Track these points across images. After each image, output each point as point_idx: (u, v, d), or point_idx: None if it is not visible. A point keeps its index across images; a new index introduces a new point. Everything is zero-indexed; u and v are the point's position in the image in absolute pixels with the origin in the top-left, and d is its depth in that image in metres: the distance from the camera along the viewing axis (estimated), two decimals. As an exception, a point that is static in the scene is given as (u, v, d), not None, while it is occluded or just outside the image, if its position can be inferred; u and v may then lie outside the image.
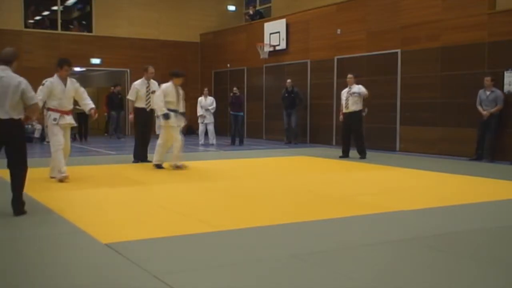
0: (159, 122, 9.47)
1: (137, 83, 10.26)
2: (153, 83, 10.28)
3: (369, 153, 11.58)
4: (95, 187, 7.31)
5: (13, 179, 5.50)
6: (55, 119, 7.64)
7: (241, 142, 15.31)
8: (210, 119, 15.50)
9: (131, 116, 10.34)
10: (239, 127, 15.50)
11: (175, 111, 9.31)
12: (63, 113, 7.72)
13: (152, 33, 20.12)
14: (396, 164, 10.25)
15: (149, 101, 10.14)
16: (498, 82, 10.84)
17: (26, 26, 18.61)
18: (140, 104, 10.19)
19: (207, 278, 3.60)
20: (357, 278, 3.62)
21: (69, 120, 7.81)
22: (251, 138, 17.65)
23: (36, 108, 5.74)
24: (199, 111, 15.51)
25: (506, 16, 11.03)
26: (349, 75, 11.57)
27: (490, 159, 10.71)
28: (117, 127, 17.77)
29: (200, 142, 15.54)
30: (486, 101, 10.80)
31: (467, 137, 11.55)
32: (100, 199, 6.59)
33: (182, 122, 9.56)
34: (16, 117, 5.44)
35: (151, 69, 10.28)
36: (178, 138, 9.33)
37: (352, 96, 11.26)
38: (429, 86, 12.38)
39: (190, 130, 20.09)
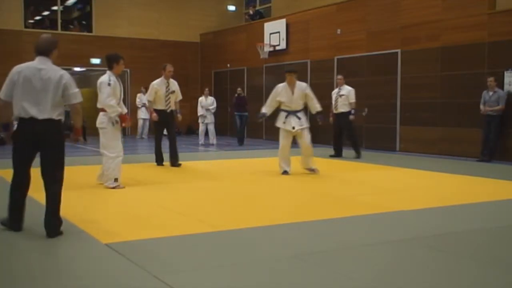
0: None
1: (156, 82, 9.56)
2: (173, 83, 9.64)
3: (369, 153, 11.58)
4: (95, 187, 7.30)
5: (47, 195, 4.67)
6: (117, 121, 7.08)
7: (240, 142, 15.33)
8: (210, 119, 15.51)
9: (154, 115, 9.55)
10: (242, 127, 15.54)
11: (287, 112, 8.71)
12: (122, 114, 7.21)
13: (152, 33, 20.12)
14: (396, 164, 10.25)
15: (169, 102, 9.56)
16: (498, 82, 10.84)
17: (26, 26, 18.62)
18: (159, 105, 9.53)
19: (207, 278, 3.60)
20: (357, 278, 3.62)
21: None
22: (251, 138, 17.64)
23: (79, 110, 4.74)
24: (200, 111, 15.52)
25: (506, 16, 11.03)
26: (339, 76, 11.93)
27: (489, 159, 10.70)
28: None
29: (200, 142, 15.54)
30: (490, 102, 10.78)
31: (467, 137, 11.56)
32: (100, 199, 6.58)
33: (296, 124, 8.65)
34: (56, 117, 4.59)
35: (169, 67, 9.58)
36: (286, 143, 8.78)
37: (340, 98, 11.48)
38: (429, 86, 12.38)
39: (190, 130, 20.11)
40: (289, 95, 8.67)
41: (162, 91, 9.48)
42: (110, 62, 7.19)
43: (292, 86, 8.69)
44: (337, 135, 11.74)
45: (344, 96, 11.45)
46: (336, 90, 11.75)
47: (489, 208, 6.16)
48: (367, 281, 3.57)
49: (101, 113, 7.15)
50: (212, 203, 6.41)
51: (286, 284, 3.52)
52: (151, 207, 6.04)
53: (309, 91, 8.82)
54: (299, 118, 8.66)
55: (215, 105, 15.71)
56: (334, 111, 11.58)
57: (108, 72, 7.19)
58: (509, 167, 9.94)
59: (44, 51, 4.69)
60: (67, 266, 3.84)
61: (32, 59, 4.66)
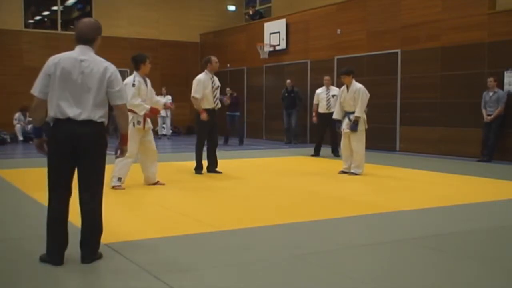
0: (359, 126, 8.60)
1: (202, 77, 8.53)
2: (216, 78, 8.69)
3: (369, 153, 11.52)
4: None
5: (83, 213, 3.89)
6: (139, 122, 7.04)
7: (241, 142, 15.31)
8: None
9: (204, 115, 8.45)
10: (237, 127, 15.49)
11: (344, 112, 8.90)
12: (147, 115, 7.15)
13: (152, 33, 20.12)
14: (396, 164, 10.26)
15: (216, 99, 8.60)
16: (498, 82, 10.84)
17: (26, 26, 18.61)
18: (206, 104, 8.49)
19: (207, 278, 3.60)
20: (357, 278, 3.62)
21: (150, 123, 7.26)
22: (251, 138, 17.64)
23: (125, 113, 4.10)
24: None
25: (506, 16, 11.03)
26: (327, 77, 12.24)
27: (489, 159, 10.70)
28: (117, 128, 17.73)
29: (200, 142, 15.51)
30: (490, 102, 10.80)
31: (467, 137, 11.56)
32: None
33: (345, 126, 8.78)
34: (98, 119, 3.86)
35: (214, 59, 8.63)
36: (342, 142, 8.87)
37: (333, 98, 11.72)
38: (429, 86, 12.38)
39: (190, 130, 20.10)
40: (344, 96, 8.80)
41: (209, 87, 8.48)
42: (137, 63, 7.15)
43: (347, 87, 8.79)
44: (323, 135, 12.03)
45: (336, 96, 11.62)
46: (322, 90, 12.07)
47: (489, 208, 6.16)
48: (367, 281, 3.57)
49: None
50: (212, 203, 6.41)
51: (286, 284, 3.52)
52: (151, 207, 6.04)
53: (358, 94, 8.62)
54: (350, 120, 8.70)
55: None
56: (325, 111, 11.76)
57: (134, 73, 7.18)
58: (509, 167, 9.94)
59: (87, 38, 3.90)
60: (66, 266, 3.83)
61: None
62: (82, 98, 3.77)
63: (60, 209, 3.85)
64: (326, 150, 12.11)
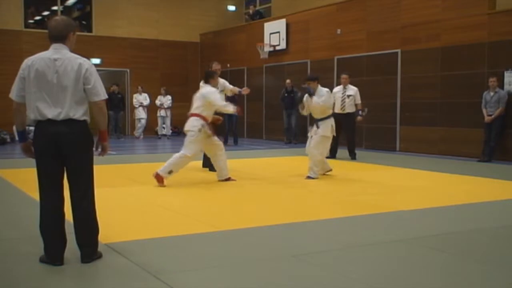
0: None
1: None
2: (221, 82, 8.90)
3: (369, 153, 11.58)
4: (95, 187, 7.28)
5: (76, 213, 3.91)
6: (203, 125, 7.60)
7: (235, 142, 15.27)
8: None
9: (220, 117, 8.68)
10: (233, 128, 15.48)
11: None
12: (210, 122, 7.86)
13: (152, 33, 20.12)
14: (396, 164, 10.25)
15: None
16: (499, 83, 10.84)
17: (26, 26, 18.62)
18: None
19: (207, 278, 3.60)
20: (357, 278, 3.62)
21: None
22: (251, 138, 17.64)
23: (103, 109, 3.89)
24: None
25: (506, 16, 11.03)
26: (344, 75, 11.53)
27: (489, 159, 10.70)
28: (117, 127, 17.77)
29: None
30: (491, 103, 10.78)
31: (467, 137, 11.56)
32: (100, 199, 6.55)
33: (312, 132, 8.63)
34: (80, 118, 3.80)
35: (215, 65, 8.96)
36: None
37: (348, 98, 11.29)
38: (429, 86, 12.38)
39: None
40: (308, 102, 8.59)
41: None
42: (207, 78, 7.95)
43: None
44: (337, 135, 11.60)
45: (352, 97, 11.27)
46: (339, 89, 11.47)
47: (489, 208, 6.16)
48: (367, 281, 3.57)
49: (193, 118, 7.65)
50: (212, 203, 6.41)
51: (286, 284, 3.52)
52: (151, 207, 6.04)
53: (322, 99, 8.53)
54: (317, 127, 8.52)
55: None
56: (340, 111, 11.16)
57: (206, 84, 7.87)
58: (509, 167, 9.93)
59: (59, 36, 3.82)
60: (66, 267, 3.84)
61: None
62: (59, 97, 3.73)
63: (53, 210, 3.85)
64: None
